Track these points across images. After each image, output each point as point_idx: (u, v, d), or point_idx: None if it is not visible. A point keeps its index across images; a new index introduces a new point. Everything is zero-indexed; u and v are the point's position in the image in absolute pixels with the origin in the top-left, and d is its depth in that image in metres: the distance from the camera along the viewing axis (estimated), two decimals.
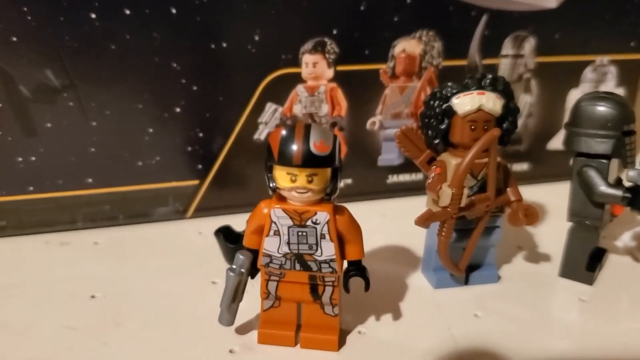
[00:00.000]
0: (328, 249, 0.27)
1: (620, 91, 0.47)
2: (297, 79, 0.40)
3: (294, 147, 0.25)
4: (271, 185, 0.26)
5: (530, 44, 0.44)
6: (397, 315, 0.31)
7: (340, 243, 0.27)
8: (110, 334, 0.29)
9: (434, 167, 0.32)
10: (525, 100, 0.46)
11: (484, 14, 0.42)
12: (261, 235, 0.27)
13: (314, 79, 0.40)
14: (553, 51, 0.45)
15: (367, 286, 0.28)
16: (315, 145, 0.25)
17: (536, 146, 0.48)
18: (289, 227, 0.26)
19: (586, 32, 0.45)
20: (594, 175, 0.32)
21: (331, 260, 0.27)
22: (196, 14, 0.36)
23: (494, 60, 0.44)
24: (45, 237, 0.39)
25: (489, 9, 0.42)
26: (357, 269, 0.28)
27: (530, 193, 0.42)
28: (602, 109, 0.32)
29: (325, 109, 0.41)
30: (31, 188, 0.38)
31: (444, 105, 0.31)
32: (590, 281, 0.34)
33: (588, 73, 0.46)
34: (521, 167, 0.48)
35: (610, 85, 0.47)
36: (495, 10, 0.42)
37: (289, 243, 0.27)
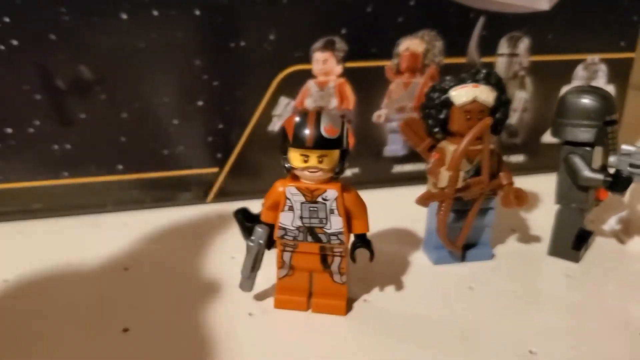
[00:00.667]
0: (336, 223, 0.30)
1: (611, 88, 0.50)
2: (309, 74, 0.43)
3: (307, 131, 0.28)
4: (286, 165, 0.29)
5: (524, 44, 0.47)
6: (399, 286, 0.34)
7: (348, 218, 0.30)
8: (141, 301, 0.32)
9: (434, 153, 0.36)
10: (520, 97, 0.49)
11: (482, 16, 0.45)
12: (277, 211, 0.30)
13: (324, 75, 0.44)
14: (546, 50, 0.48)
15: (371, 256, 0.31)
16: (325, 129, 0.28)
17: (531, 139, 0.51)
18: (301, 203, 0.30)
19: (578, 32, 0.48)
20: (578, 162, 0.35)
21: (339, 233, 0.30)
22: (218, 15, 0.40)
23: (491, 59, 0.47)
24: (78, 219, 0.43)
25: (486, 11, 0.45)
26: (362, 241, 0.31)
27: (526, 183, 0.44)
28: (585, 101, 0.35)
29: (334, 102, 0.45)
30: (66, 173, 0.41)
31: (443, 97, 0.35)
32: (576, 259, 0.37)
33: (580, 71, 0.49)
34: (517, 158, 0.51)
35: (601, 82, 0.50)
36: (492, 12, 0.45)
37: (301, 217, 0.30)
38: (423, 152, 0.37)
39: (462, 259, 0.37)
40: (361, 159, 0.47)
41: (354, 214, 0.30)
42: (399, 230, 0.41)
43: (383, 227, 0.41)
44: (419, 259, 0.38)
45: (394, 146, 0.48)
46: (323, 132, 0.28)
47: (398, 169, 0.49)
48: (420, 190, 0.36)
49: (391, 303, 0.33)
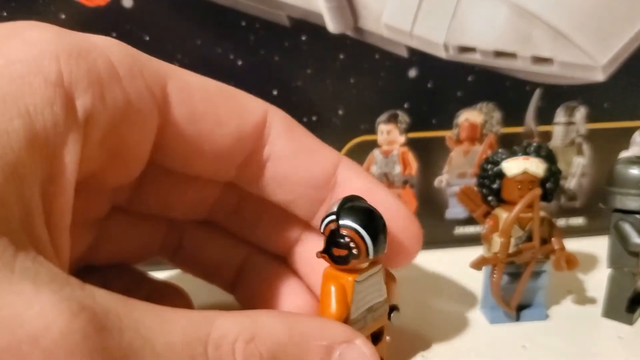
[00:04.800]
0: None
1: None
2: (374, 144, 0.47)
3: None
4: None
5: (580, 113, 0.49)
6: (456, 343, 0.37)
7: None
8: None
9: (488, 219, 0.39)
10: (578, 162, 0.51)
11: (538, 88, 0.48)
12: None
13: (388, 144, 0.47)
14: (603, 118, 0.50)
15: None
16: None
17: (590, 202, 0.52)
18: None
19: (634, 100, 0.50)
20: (628, 229, 0.37)
21: None
22: (293, 94, 0.44)
23: (547, 128, 0.49)
24: None
25: (542, 83, 0.48)
26: None
27: (585, 245, 0.47)
28: (634, 171, 0.37)
29: (397, 169, 0.48)
30: None
31: (495, 169, 0.38)
32: (629, 321, 0.39)
33: (637, 136, 0.51)
34: (577, 221, 0.53)
35: None
36: (548, 84, 0.48)
37: None
38: (479, 218, 0.40)
39: (517, 318, 0.39)
40: (424, 221, 0.49)
41: None
42: (459, 289, 0.44)
43: (445, 286, 0.44)
44: (476, 317, 0.40)
45: (456, 209, 0.50)
46: None
47: (459, 230, 0.51)
48: (480, 250, 0.39)
49: (447, 359, 0.35)
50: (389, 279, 0.32)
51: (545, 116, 0.49)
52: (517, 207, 0.36)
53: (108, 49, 0.26)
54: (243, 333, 0.22)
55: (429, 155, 0.49)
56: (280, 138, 0.31)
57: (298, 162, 0.32)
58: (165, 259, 0.38)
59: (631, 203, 0.37)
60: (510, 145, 0.39)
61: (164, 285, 0.38)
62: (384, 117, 0.47)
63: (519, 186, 0.37)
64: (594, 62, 0.47)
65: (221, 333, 0.22)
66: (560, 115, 0.49)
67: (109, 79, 0.25)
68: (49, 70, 0.23)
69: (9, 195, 0.20)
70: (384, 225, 0.29)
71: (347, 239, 0.28)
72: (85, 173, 0.26)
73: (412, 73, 0.46)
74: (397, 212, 0.32)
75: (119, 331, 0.19)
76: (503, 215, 0.37)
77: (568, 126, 0.50)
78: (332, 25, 0.44)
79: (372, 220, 0.29)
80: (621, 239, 0.38)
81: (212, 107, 0.29)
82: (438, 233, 0.51)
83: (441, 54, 0.46)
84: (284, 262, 0.37)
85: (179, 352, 0.20)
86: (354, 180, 0.32)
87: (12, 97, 0.22)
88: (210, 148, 0.30)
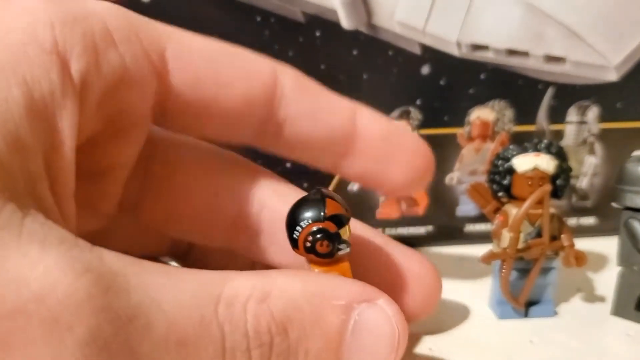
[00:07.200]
0: None
1: None
2: None
3: None
4: None
5: (593, 112, 0.49)
6: (464, 337, 0.37)
7: None
8: None
9: (499, 215, 0.39)
10: (590, 162, 0.51)
11: (550, 87, 0.48)
12: None
13: None
14: (615, 118, 0.50)
15: None
16: None
17: (602, 202, 0.52)
18: None
19: None
20: (638, 227, 0.38)
21: None
22: None
23: (559, 126, 0.50)
24: None
25: (554, 82, 0.48)
26: None
27: (596, 244, 0.47)
28: None
29: None
30: None
31: (506, 165, 0.38)
32: (639, 319, 0.39)
33: None
34: (588, 221, 0.53)
35: None
36: (560, 83, 0.48)
37: None
38: (489, 214, 0.40)
39: (526, 314, 0.39)
40: (435, 218, 0.50)
41: None
42: (468, 285, 0.44)
43: (455, 282, 0.44)
44: (485, 313, 0.40)
45: (466, 206, 0.50)
46: None
47: (470, 227, 0.51)
48: (490, 247, 0.39)
49: (455, 352, 0.36)
50: None
51: (557, 115, 0.49)
52: (527, 203, 0.36)
53: (104, 14, 0.26)
54: (255, 293, 0.22)
55: (441, 152, 0.49)
56: (294, 98, 0.31)
57: (315, 120, 0.32)
58: (173, 261, 0.39)
59: None
60: (522, 143, 0.39)
61: None
62: (396, 113, 0.47)
63: (530, 182, 0.37)
64: (607, 62, 0.48)
65: (234, 292, 0.22)
66: (572, 115, 0.49)
67: (105, 44, 0.25)
68: (43, 38, 0.23)
69: (12, 163, 0.20)
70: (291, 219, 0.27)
71: None
72: (83, 139, 0.26)
73: (425, 70, 0.46)
74: (418, 148, 0.34)
75: (126, 292, 0.19)
76: (513, 211, 0.38)
77: (580, 125, 0.50)
78: (346, 22, 0.44)
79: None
80: (631, 237, 0.38)
81: (214, 71, 0.29)
82: (448, 230, 0.51)
83: (454, 51, 0.46)
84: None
85: (188, 311, 0.20)
86: (372, 125, 0.33)
87: (9, 66, 0.22)
88: (217, 112, 0.30)
